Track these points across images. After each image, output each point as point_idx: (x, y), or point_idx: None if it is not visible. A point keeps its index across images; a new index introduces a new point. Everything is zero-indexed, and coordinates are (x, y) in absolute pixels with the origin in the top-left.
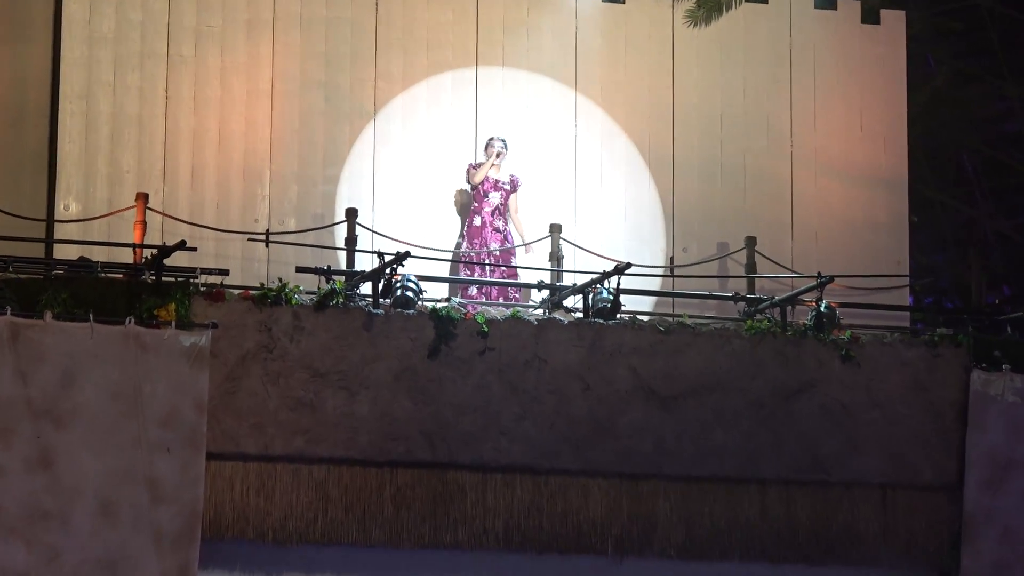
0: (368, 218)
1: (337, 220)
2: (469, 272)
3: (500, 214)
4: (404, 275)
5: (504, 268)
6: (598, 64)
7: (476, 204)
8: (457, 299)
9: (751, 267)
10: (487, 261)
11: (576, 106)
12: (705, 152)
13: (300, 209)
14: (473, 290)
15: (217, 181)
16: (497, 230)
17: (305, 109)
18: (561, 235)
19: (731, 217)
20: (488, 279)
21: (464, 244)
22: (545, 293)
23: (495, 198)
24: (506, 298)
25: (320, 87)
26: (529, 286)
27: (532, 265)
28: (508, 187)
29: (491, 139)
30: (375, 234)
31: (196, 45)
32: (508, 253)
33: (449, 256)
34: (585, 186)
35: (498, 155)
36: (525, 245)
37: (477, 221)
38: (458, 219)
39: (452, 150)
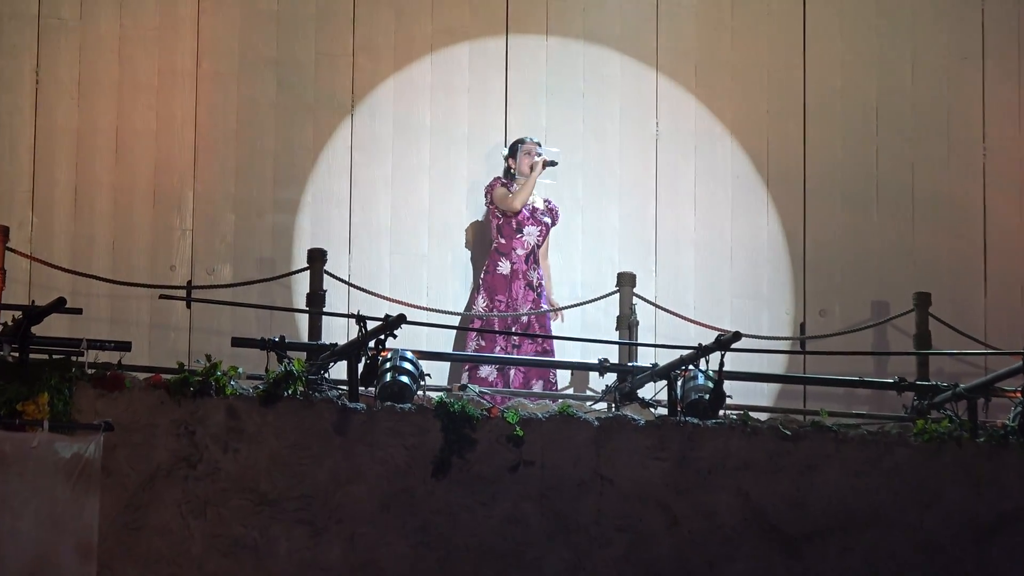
0: (342, 264)
1: (296, 268)
2: (485, 345)
3: (534, 261)
4: (397, 351)
5: (544, 339)
6: (691, 33)
7: (502, 241)
8: (473, 387)
9: (923, 339)
10: (516, 330)
11: (658, 95)
12: (854, 165)
13: (239, 251)
14: (487, 372)
15: (114, 209)
16: (531, 286)
17: (247, 100)
18: (635, 291)
19: (893, 263)
20: (517, 356)
21: (480, 301)
22: (610, 378)
23: (532, 235)
24: (548, 385)
25: (270, 67)
26: (587, 367)
27: (590, 337)
28: (549, 220)
29: (522, 142)
30: (352, 288)
31: (82, 3)
32: (544, 318)
33: (465, 321)
34: (671, 215)
35: (543, 164)
36: (557, 310)
37: (504, 267)
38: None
39: (470, 161)
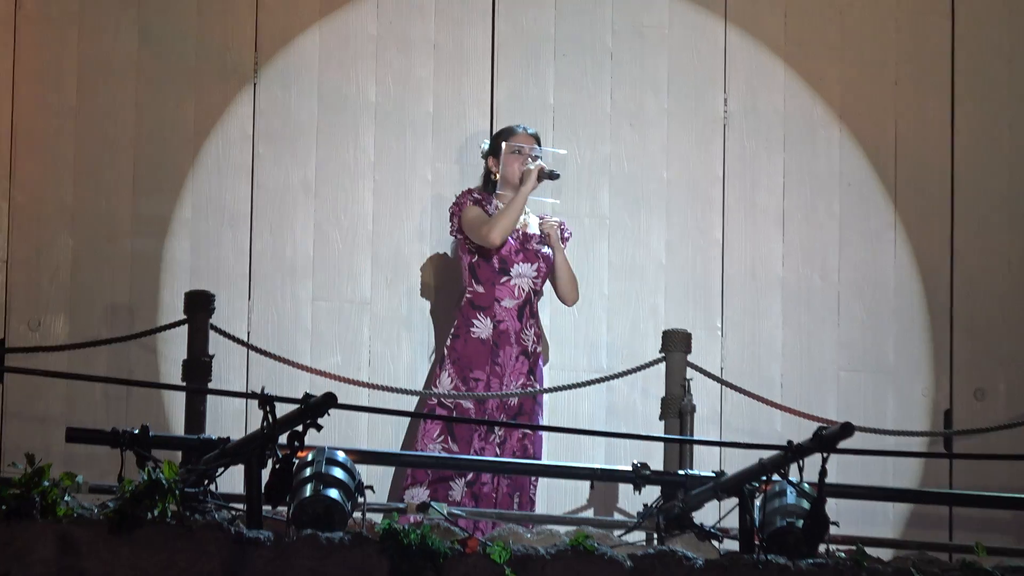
0: (239, 315)
1: (166, 321)
2: (454, 448)
3: (531, 314)
4: (323, 450)
5: (534, 430)
6: None
7: (478, 289)
8: (439, 505)
9: None
10: (502, 419)
11: (727, 57)
12: None
13: (80, 294)
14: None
15: None
16: (526, 352)
17: (94, 62)
18: (689, 359)
19: None
20: (497, 460)
21: (446, 380)
22: (651, 494)
23: (525, 277)
24: (526, 501)
25: (130, 10)
26: (616, 477)
27: (619, 431)
28: (549, 251)
29: (511, 133)
30: (254, 352)
31: None
32: (533, 399)
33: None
34: (746, 242)
35: (538, 174)
36: (561, 389)
37: (481, 329)
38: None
39: (437, 157)
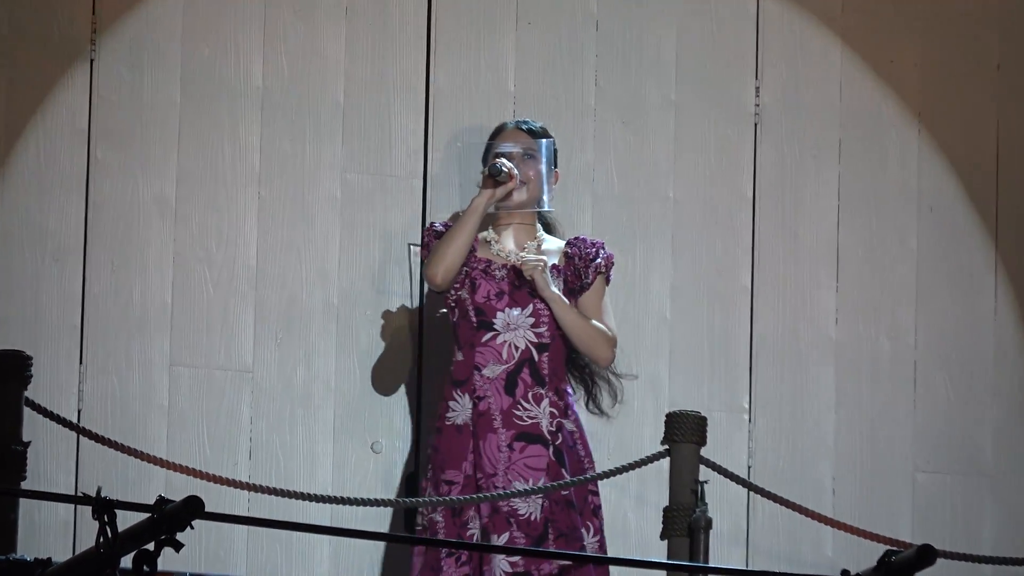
0: (67, 384)
1: None
2: (438, 572)
3: (534, 379)
4: None
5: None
6: None
7: (458, 356)
8: None
9: None
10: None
11: (761, 32)
12: None
13: None
14: None
15: None
16: (535, 436)
17: None
18: (703, 453)
19: None
20: None
21: (425, 485)
22: None
23: (516, 328)
24: None
25: None
26: None
27: (608, 556)
28: (561, 284)
29: (499, 131)
30: (84, 436)
31: None
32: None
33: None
34: (786, 289)
35: (484, 177)
36: (582, 483)
37: (458, 412)
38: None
39: (349, 166)
